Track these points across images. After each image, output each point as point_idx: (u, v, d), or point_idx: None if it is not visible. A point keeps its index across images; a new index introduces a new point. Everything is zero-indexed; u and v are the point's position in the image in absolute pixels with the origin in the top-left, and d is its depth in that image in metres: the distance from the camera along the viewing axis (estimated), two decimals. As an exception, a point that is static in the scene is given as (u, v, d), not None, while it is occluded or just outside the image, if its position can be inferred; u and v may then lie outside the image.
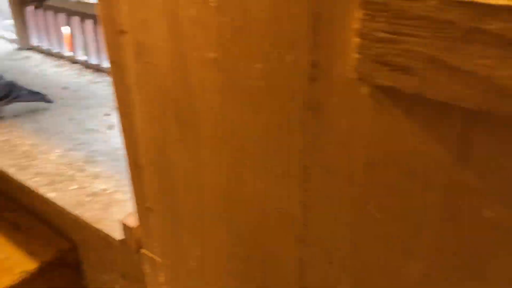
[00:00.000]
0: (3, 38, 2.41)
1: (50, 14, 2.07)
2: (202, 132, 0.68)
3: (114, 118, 1.57)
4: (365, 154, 0.50)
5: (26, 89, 1.64)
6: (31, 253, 1.51)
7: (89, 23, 1.92)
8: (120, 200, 1.14)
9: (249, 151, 0.62)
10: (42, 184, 1.20)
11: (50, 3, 1.90)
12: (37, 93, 1.66)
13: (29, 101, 1.65)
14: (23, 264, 1.46)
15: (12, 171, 1.26)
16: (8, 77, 1.88)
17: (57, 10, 2.03)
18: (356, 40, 0.42)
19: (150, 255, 0.93)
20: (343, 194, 0.53)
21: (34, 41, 2.26)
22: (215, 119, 0.64)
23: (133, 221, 0.96)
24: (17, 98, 1.61)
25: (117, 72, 0.76)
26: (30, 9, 2.18)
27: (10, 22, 2.34)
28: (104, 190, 1.18)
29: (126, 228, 0.97)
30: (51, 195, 1.16)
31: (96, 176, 1.24)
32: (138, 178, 0.86)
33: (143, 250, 0.95)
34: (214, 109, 0.64)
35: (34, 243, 1.55)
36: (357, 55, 0.43)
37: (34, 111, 1.62)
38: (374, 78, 0.43)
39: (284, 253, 0.65)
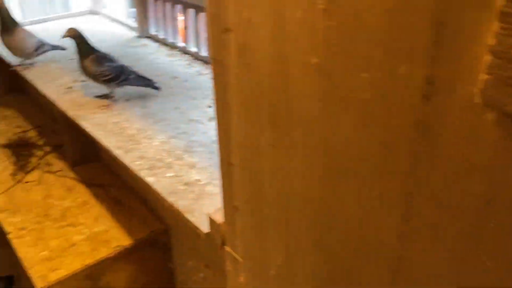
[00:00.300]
0: (126, 25, 2.61)
1: (168, 4, 2.19)
2: (295, 139, 0.64)
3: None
4: (484, 190, 0.42)
5: (135, 74, 1.73)
6: (128, 229, 1.62)
7: (203, 16, 1.98)
8: (211, 193, 1.16)
9: (346, 167, 0.57)
10: (143, 168, 1.27)
11: (169, -5, 2.00)
12: (145, 79, 1.74)
13: (137, 86, 1.74)
14: (120, 239, 1.57)
15: (118, 153, 1.34)
16: (125, 62, 2.02)
17: (175, 1, 2.14)
18: (487, 58, 0.36)
19: (233, 253, 0.92)
20: (449, 232, 0.46)
21: (152, 30, 2.41)
22: (311, 128, 0.61)
23: (220, 217, 0.96)
24: (126, 81, 1.70)
25: (218, 70, 0.76)
26: (151, -1, 2.33)
27: (134, 10, 2.53)
28: (198, 180, 1.21)
29: (212, 222, 0.98)
30: (149, 179, 1.22)
31: (192, 166, 1.27)
32: (228, 176, 0.86)
33: (226, 247, 0.95)
34: (311, 117, 0.60)
35: (131, 220, 1.66)
36: (486, 76, 0.36)
37: (143, 97, 1.72)
38: (505, 105, 0.36)
39: (373, 282, 0.59)
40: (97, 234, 1.58)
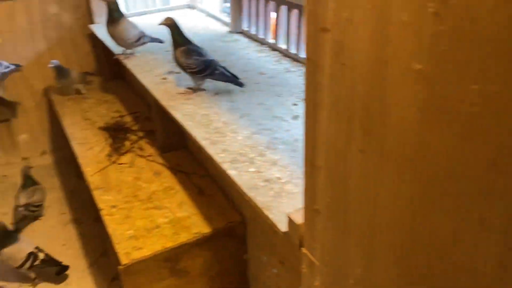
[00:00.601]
0: (220, 20, 2.69)
1: (262, 1, 2.21)
2: (388, 147, 0.61)
3: (300, 109, 1.59)
4: None
5: (221, 69, 1.75)
6: (208, 218, 1.67)
7: (294, 13, 1.97)
8: (291, 192, 1.15)
9: (443, 183, 0.53)
10: (226, 161, 1.30)
11: (263, -8, 2.01)
12: (230, 75, 1.76)
13: (221, 81, 1.76)
14: (200, 226, 1.63)
15: (204, 144, 1.39)
16: (215, 56, 2.08)
17: (268, -2, 2.15)
18: None
19: (310, 256, 0.91)
20: None
21: (245, 26, 2.45)
22: (406, 137, 0.57)
23: (299, 218, 0.95)
24: (211, 75, 1.73)
25: (311, 70, 0.74)
26: (246, -4, 2.37)
27: (228, 6, 2.60)
28: (279, 178, 1.21)
29: (291, 222, 0.98)
30: (231, 172, 1.24)
31: (273, 163, 1.28)
32: (311, 177, 0.84)
33: (303, 249, 0.94)
34: (408, 126, 0.56)
35: (211, 209, 1.71)
36: None
37: (231, 91, 1.76)
38: None
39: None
40: (179, 219, 1.66)
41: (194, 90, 1.77)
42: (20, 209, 2.32)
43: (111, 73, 2.88)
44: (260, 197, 1.13)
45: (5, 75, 2.65)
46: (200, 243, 1.59)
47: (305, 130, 0.82)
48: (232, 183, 1.24)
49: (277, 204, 1.11)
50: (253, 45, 2.27)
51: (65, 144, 2.83)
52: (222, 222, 1.64)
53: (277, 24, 2.12)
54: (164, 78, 1.90)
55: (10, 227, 2.09)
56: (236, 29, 2.47)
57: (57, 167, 2.92)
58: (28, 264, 1.95)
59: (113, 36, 2.11)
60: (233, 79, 1.75)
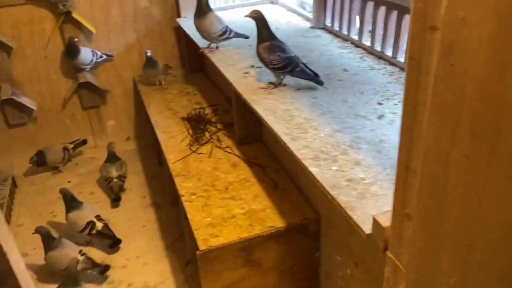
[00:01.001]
0: (302, 15, 2.68)
1: (347, -3, 2.17)
2: (500, 155, 0.57)
3: (386, 108, 1.55)
4: None
5: (302, 67, 1.75)
6: (282, 212, 1.69)
7: (382, 10, 1.92)
8: (375, 194, 1.12)
9: None
10: (307, 157, 1.30)
11: (351, -13, 1.97)
12: (311, 73, 1.75)
13: (301, 78, 1.76)
14: (274, 220, 1.64)
15: (285, 139, 1.40)
16: (297, 52, 2.08)
17: (354, -6, 2.11)
18: None
19: (395, 261, 0.88)
20: None
21: (327, 22, 2.42)
22: (524, 145, 0.53)
23: (386, 221, 0.93)
24: (291, 72, 1.74)
25: (414, 69, 0.72)
26: (330, -9, 2.34)
27: (311, 1, 2.58)
28: (362, 179, 1.19)
29: (376, 225, 0.95)
30: (313, 169, 1.24)
31: (357, 163, 1.25)
32: (403, 180, 0.82)
33: (388, 253, 0.91)
34: (526, 133, 0.53)
35: (285, 204, 1.72)
36: None
37: (313, 87, 1.75)
38: None
39: None
40: (254, 211, 1.68)
41: (275, 85, 1.79)
42: (115, 180, 2.58)
43: (193, 65, 2.98)
44: (343, 197, 1.12)
45: (97, 64, 2.85)
46: (274, 236, 1.61)
47: (401, 131, 0.79)
48: (313, 181, 1.23)
49: (360, 205, 1.09)
50: (336, 41, 2.24)
51: (147, 131, 2.99)
52: (297, 218, 1.64)
53: (362, 21, 2.07)
54: (246, 72, 1.93)
55: (74, 196, 2.28)
56: (319, 25, 2.44)
57: (139, 153, 3.09)
58: (86, 231, 2.18)
59: (199, 29, 2.19)
60: (313, 77, 1.75)
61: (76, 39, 2.65)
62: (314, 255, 1.73)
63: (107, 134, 3.14)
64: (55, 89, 2.88)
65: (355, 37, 2.17)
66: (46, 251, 2.00)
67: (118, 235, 2.30)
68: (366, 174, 1.21)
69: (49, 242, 2.00)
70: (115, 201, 2.59)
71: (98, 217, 2.23)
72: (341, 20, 2.25)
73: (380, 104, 1.58)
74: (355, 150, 1.32)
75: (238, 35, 2.19)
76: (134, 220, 2.44)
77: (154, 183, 2.75)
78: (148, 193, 2.66)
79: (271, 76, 1.83)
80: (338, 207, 1.11)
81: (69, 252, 2.01)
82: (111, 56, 2.87)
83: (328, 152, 1.32)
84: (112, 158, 2.63)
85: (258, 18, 1.78)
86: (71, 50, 2.66)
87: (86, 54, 2.71)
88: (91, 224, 2.19)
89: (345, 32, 2.24)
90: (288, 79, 1.81)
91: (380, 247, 0.95)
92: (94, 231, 2.19)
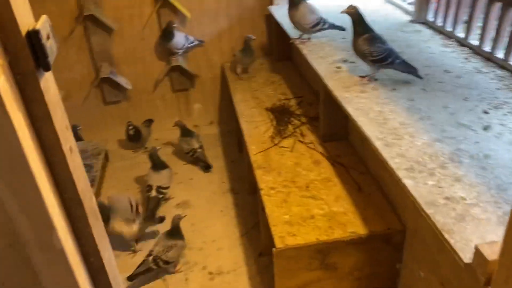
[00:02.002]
0: (401, 8, 2.51)
1: (456, -10, 1.98)
2: None
3: (493, 119, 1.40)
4: None
5: (401, 59, 1.67)
6: (365, 218, 1.61)
7: (496, 6, 1.72)
8: (477, 217, 1.02)
9: None
10: (401, 168, 1.21)
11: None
12: (410, 65, 1.67)
13: (400, 71, 1.68)
14: (355, 225, 1.57)
15: (378, 144, 1.31)
16: (395, 46, 1.95)
17: (465, -13, 1.92)
18: None
19: (499, 300, 0.79)
20: None
21: (429, 16, 2.24)
22: None
23: (491, 253, 0.83)
24: (391, 64, 1.67)
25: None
26: (437, -17, 2.16)
27: (413, -7, 2.41)
28: (462, 198, 1.08)
29: (479, 256, 0.86)
30: (407, 181, 1.15)
31: (457, 179, 1.14)
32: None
33: (491, 289, 0.82)
34: None
35: (370, 210, 1.64)
36: None
37: (410, 89, 1.63)
38: None
39: None
40: (335, 214, 1.63)
41: (370, 78, 1.70)
42: (199, 150, 2.73)
43: (281, 54, 2.95)
44: (439, 217, 1.02)
45: (189, 49, 2.92)
46: (354, 243, 1.54)
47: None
48: (403, 191, 1.15)
49: (459, 228, 0.99)
50: (438, 38, 2.07)
51: (230, 117, 3.03)
52: (381, 227, 1.56)
53: (471, 18, 1.88)
54: (339, 67, 1.86)
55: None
56: (419, 19, 2.28)
57: (221, 138, 3.15)
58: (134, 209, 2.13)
59: (292, 20, 2.14)
60: (414, 70, 1.67)
61: (175, 25, 2.73)
62: (394, 266, 1.64)
63: (193, 117, 3.23)
64: (149, 70, 3.00)
65: (460, 34, 1.98)
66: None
67: (196, 217, 2.37)
68: (467, 193, 1.09)
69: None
70: (207, 168, 2.75)
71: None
72: (446, 15, 2.07)
73: (486, 113, 1.43)
74: (456, 164, 1.20)
75: (333, 26, 2.11)
76: (212, 204, 2.49)
77: (233, 169, 2.78)
78: (227, 178, 2.70)
79: (363, 72, 1.74)
80: (433, 228, 1.01)
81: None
82: (203, 41, 2.92)
83: (425, 164, 1.21)
84: (187, 132, 2.76)
85: (354, 14, 1.72)
86: (167, 34, 2.75)
87: (179, 39, 2.78)
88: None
89: (449, 28, 2.06)
90: (382, 77, 1.71)
91: (480, 280, 0.85)
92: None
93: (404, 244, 1.59)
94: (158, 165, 2.47)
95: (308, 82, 2.64)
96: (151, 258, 1.94)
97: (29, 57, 0.45)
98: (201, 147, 2.78)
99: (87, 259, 0.59)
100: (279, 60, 2.97)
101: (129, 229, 2.09)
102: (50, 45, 0.51)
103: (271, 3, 2.81)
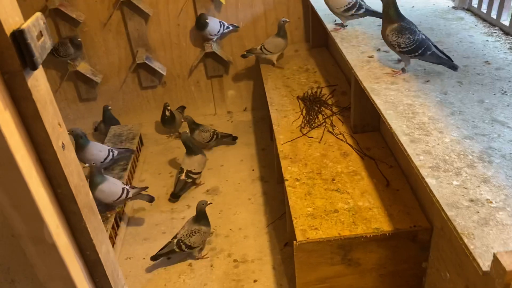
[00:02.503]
0: (444, -7, 2.38)
1: (503, -25, 1.85)
2: None
3: (532, 116, 1.30)
4: None
5: (433, 50, 1.57)
6: (390, 214, 1.56)
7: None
8: (502, 223, 0.96)
9: None
10: (425, 165, 1.15)
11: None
12: (443, 56, 1.57)
13: (432, 62, 1.60)
14: (381, 221, 1.53)
15: (403, 140, 1.26)
16: (432, 37, 1.85)
17: (513, -29, 1.78)
18: None
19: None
20: None
21: (474, 1, 2.11)
22: None
23: (509, 263, 0.78)
24: (422, 56, 1.58)
25: None
26: (483, -34, 2.02)
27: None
28: (488, 201, 1.02)
29: (497, 264, 0.81)
30: (430, 180, 1.10)
31: (484, 180, 1.08)
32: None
33: (508, 301, 0.77)
34: None
35: (396, 206, 1.59)
36: None
37: (444, 81, 1.55)
38: None
39: None
40: (360, 208, 1.59)
41: (403, 71, 1.63)
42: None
43: (316, 40, 2.88)
44: (460, 220, 0.97)
45: (224, 35, 2.91)
46: (378, 239, 1.50)
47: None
48: (428, 192, 1.10)
49: (481, 233, 0.94)
50: (481, 26, 1.95)
51: (263, 104, 3.01)
52: (406, 224, 1.51)
53: (518, 4, 1.75)
54: (371, 56, 1.79)
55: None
56: (463, 5, 2.15)
57: (253, 125, 3.14)
58: (123, 197, 2.11)
59: (326, 3, 2.08)
60: (447, 61, 1.57)
61: (207, 20, 2.71)
62: (420, 265, 1.58)
63: (227, 103, 3.24)
64: (184, 56, 3.02)
65: (505, 22, 1.85)
66: (95, 187, 2.05)
67: (225, 204, 2.39)
68: (494, 195, 1.03)
69: (96, 178, 2.06)
70: (234, 139, 2.88)
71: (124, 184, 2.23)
72: (491, 1, 1.94)
73: (526, 109, 1.34)
74: (485, 164, 1.13)
75: (370, 12, 2.01)
76: (241, 191, 2.50)
77: (263, 157, 2.77)
78: (257, 166, 2.70)
79: (397, 63, 1.67)
80: (453, 231, 0.97)
81: (117, 184, 2.11)
82: (237, 27, 2.90)
83: (452, 162, 1.15)
84: (196, 125, 2.74)
85: (386, 1, 1.62)
86: (200, 24, 2.75)
87: (214, 25, 2.78)
88: (125, 189, 2.13)
89: (494, 15, 1.93)
90: (416, 68, 1.63)
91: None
92: (130, 195, 2.15)
93: (431, 242, 1.53)
94: (191, 150, 2.48)
95: (343, 70, 2.57)
96: (175, 240, 1.98)
97: (15, 57, 0.45)
98: (214, 130, 2.80)
99: (83, 252, 0.61)
100: (315, 46, 2.90)
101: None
102: (42, 43, 0.51)
103: (307, -12, 2.74)
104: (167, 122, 2.93)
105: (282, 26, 2.62)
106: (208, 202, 2.04)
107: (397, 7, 1.62)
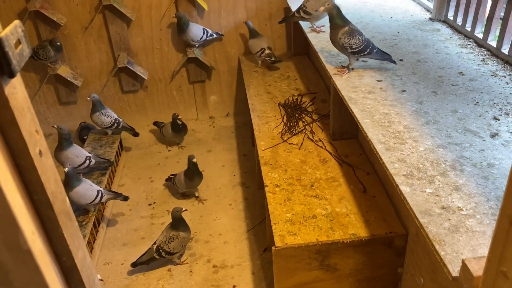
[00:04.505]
0: (421, 5, 2.44)
1: (477, -11, 1.91)
2: None
3: (503, 125, 1.35)
4: None
5: (377, 48, 1.75)
6: (367, 221, 1.59)
7: (517, 7, 1.65)
8: (472, 230, 0.99)
9: None
10: (399, 173, 1.19)
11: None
12: (385, 53, 1.76)
13: (376, 59, 1.78)
14: (357, 227, 1.56)
15: (379, 148, 1.29)
16: (410, 47, 1.91)
17: (486, -14, 1.85)
18: None
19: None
20: None
21: (450, 13, 2.18)
22: None
23: (478, 268, 0.81)
24: (370, 54, 1.74)
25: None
26: (458, -20, 2.08)
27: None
28: (459, 208, 1.05)
29: (466, 271, 0.84)
30: (404, 188, 1.13)
31: (456, 188, 1.11)
32: (504, 233, 0.69)
33: (474, 306, 0.80)
34: None
35: (373, 212, 1.62)
36: None
37: (421, 91, 1.59)
38: None
39: None
40: (337, 214, 1.61)
41: (348, 69, 1.79)
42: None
43: (297, 48, 2.92)
44: (432, 227, 1.00)
45: (207, 41, 2.93)
46: (355, 245, 1.53)
47: None
48: (402, 203, 1.13)
49: (451, 239, 0.97)
50: (456, 38, 2.01)
51: (246, 109, 3.02)
52: (382, 230, 1.54)
53: (490, 17, 1.81)
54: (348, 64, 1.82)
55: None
56: (439, 17, 2.21)
57: (236, 130, 3.15)
58: (97, 200, 2.09)
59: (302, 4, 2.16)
60: (388, 57, 1.76)
61: (180, 16, 2.71)
62: (396, 270, 1.62)
63: (209, 108, 3.24)
64: (166, 61, 3.02)
65: (479, 35, 1.92)
66: (71, 188, 2.03)
67: (205, 209, 2.39)
68: (465, 203, 1.07)
69: (72, 180, 2.04)
70: (136, 135, 2.79)
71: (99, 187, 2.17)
72: (466, 14, 2.01)
73: (496, 119, 1.39)
74: (457, 172, 1.17)
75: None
76: (221, 197, 2.51)
77: (245, 162, 2.79)
78: (238, 172, 2.71)
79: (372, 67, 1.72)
80: (425, 238, 1.00)
81: (93, 186, 2.09)
82: (221, 35, 2.91)
83: (425, 171, 1.19)
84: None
85: (331, 9, 1.76)
86: (179, 25, 2.75)
87: (196, 31, 2.79)
88: (100, 192, 2.11)
89: (468, 28, 1.99)
90: (393, 78, 1.67)
91: (466, 295, 0.84)
92: (104, 198, 2.13)
93: (407, 248, 1.57)
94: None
95: (323, 78, 2.60)
96: (155, 247, 1.98)
97: (-8, 65, 0.46)
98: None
99: (59, 258, 0.61)
100: (296, 54, 2.94)
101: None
102: (20, 51, 0.52)
103: (289, -4, 2.78)
104: (182, 131, 2.86)
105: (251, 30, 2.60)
106: (183, 209, 2.04)
107: (342, 14, 1.77)
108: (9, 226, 0.51)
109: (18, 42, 0.52)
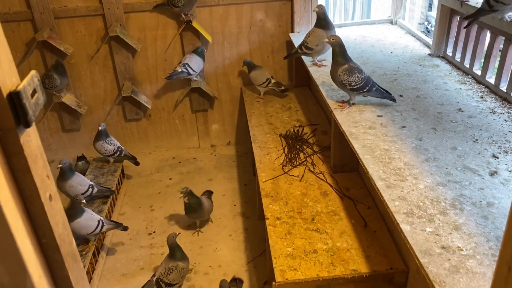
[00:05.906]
0: (420, 40, 2.50)
1: (474, 28, 1.97)
2: None
3: (502, 164, 1.37)
4: None
5: (376, 86, 1.78)
6: (368, 256, 1.59)
7: (514, 46, 1.70)
8: (472, 271, 0.99)
9: None
10: (400, 211, 1.20)
11: (482, 19, 1.78)
12: (384, 92, 1.79)
13: (376, 97, 1.80)
14: (358, 263, 1.55)
15: (380, 185, 1.31)
16: (409, 82, 1.95)
17: (483, 26, 1.90)
18: None
19: None
20: None
21: (449, 50, 2.22)
22: None
23: (477, 313, 0.81)
24: (368, 92, 1.78)
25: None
26: (455, 18, 2.14)
27: (425, 25, 2.39)
28: (459, 248, 1.06)
29: (466, 314, 0.84)
30: (404, 227, 1.14)
31: (456, 227, 1.12)
32: (505, 281, 0.70)
33: None
34: None
35: (374, 248, 1.62)
36: None
37: (421, 127, 1.61)
38: None
39: None
40: (338, 249, 1.61)
41: (349, 104, 1.82)
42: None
43: (299, 80, 2.97)
44: (433, 267, 1.01)
45: (209, 72, 2.98)
46: (356, 281, 1.52)
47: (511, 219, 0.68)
48: (403, 239, 1.13)
49: (452, 281, 0.97)
50: (455, 74, 2.05)
51: (247, 138, 3.05)
52: (383, 266, 1.54)
53: (489, 55, 1.86)
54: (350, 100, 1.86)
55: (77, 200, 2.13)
56: (438, 53, 2.26)
57: (236, 159, 3.17)
58: (98, 230, 2.09)
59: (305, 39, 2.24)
60: (387, 95, 1.79)
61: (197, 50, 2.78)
62: (393, 307, 1.60)
63: (211, 136, 3.27)
64: (170, 90, 3.07)
65: (477, 71, 1.96)
66: (73, 219, 2.03)
67: (205, 240, 2.39)
68: (465, 243, 1.07)
69: (76, 210, 2.04)
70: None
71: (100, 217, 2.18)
72: (464, 51, 2.05)
73: (495, 157, 1.40)
74: (457, 211, 1.18)
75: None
76: (222, 227, 2.51)
77: (245, 192, 2.80)
78: (238, 201, 2.72)
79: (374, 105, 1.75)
80: (426, 278, 1.00)
81: (94, 216, 2.09)
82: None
83: (425, 209, 1.20)
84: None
85: (336, 44, 1.81)
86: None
87: (196, 63, 2.84)
88: (101, 221, 2.12)
89: (467, 64, 2.03)
90: (393, 113, 1.70)
91: None
92: (104, 228, 2.13)
93: (407, 285, 1.56)
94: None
95: (324, 109, 2.64)
96: (154, 279, 1.96)
97: (10, 116, 0.48)
98: (119, 146, 2.73)
99: (64, 300, 0.62)
100: (298, 85, 2.99)
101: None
102: (36, 100, 0.54)
103: (292, 30, 2.85)
104: (193, 211, 2.35)
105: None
106: (178, 233, 2.03)
107: (345, 52, 1.81)
108: (18, 271, 0.53)
109: (34, 91, 0.54)
